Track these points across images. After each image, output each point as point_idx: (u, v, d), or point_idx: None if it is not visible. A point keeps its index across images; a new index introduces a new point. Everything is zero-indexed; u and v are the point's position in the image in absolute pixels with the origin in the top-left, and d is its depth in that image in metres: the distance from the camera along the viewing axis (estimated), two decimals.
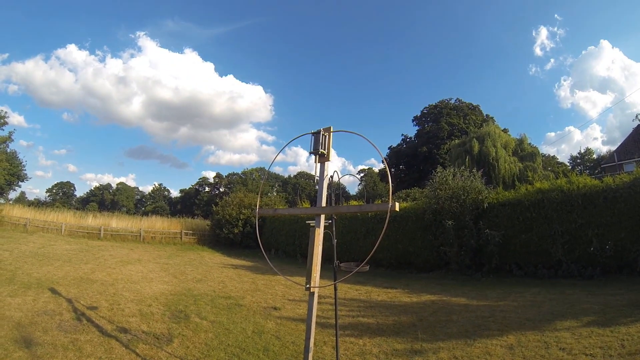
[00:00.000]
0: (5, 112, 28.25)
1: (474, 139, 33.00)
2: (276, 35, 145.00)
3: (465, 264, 12.74)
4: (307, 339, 3.87)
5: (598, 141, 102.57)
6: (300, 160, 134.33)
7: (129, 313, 8.06)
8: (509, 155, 32.29)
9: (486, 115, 57.03)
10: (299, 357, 5.76)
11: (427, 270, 14.18)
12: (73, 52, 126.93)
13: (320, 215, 3.79)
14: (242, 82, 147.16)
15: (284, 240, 22.59)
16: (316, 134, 3.72)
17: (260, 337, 6.87)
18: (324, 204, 3.82)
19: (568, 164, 64.46)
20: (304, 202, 32.39)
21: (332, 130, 3.75)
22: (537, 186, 12.57)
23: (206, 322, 7.69)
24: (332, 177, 4.23)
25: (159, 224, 32.07)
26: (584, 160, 67.93)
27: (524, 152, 33.34)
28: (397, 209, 3.14)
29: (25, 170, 31.86)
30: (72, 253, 16.99)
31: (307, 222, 3.92)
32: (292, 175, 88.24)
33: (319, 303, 9.10)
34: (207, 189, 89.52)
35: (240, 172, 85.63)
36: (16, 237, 20.92)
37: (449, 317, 7.88)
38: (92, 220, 30.75)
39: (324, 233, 3.93)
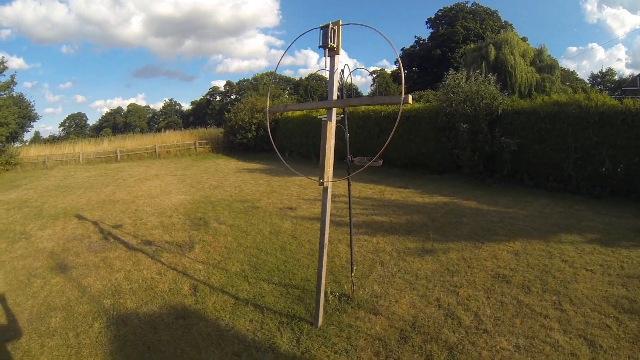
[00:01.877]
0: (3, 57, 27.58)
1: (491, 45, 31.57)
2: None
3: (478, 168, 12.71)
4: (322, 235, 3.98)
5: (622, 63, 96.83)
6: (311, 62, 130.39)
7: (151, 226, 8.41)
8: (527, 64, 31.00)
9: (504, 21, 53.93)
10: (314, 254, 6.03)
11: (439, 172, 14.21)
12: None
13: (331, 109, 3.75)
14: None
15: (298, 142, 22.55)
16: (325, 28, 3.59)
17: (277, 237, 7.18)
18: (334, 97, 3.76)
19: (587, 82, 61.84)
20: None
21: (341, 23, 3.64)
22: (554, 98, 12.06)
23: (225, 227, 8.02)
24: (342, 71, 4.17)
25: (172, 137, 32.28)
26: (605, 80, 64.76)
27: (543, 64, 31.97)
28: (410, 101, 3.06)
29: (34, 110, 31.82)
30: (92, 179, 17.42)
31: (319, 117, 3.90)
32: (303, 78, 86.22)
33: (333, 202, 9.41)
34: (218, 98, 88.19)
35: (250, 78, 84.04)
36: (37, 174, 21.40)
37: (459, 219, 8.07)
38: (107, 144, 31.09)
39: (337, 129, 3.94)
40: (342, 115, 4.32)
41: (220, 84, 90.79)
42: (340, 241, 6.74)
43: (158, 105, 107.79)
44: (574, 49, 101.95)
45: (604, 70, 67.02)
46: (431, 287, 4.88)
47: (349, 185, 4.76)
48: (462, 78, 13.35)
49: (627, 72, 68.92)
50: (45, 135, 79.40)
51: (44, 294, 5.29)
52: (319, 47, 3.65)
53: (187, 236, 7.54)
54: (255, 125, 25.81)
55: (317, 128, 18.96)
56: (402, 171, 15.18)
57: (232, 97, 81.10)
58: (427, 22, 59.37)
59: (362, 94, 64.08)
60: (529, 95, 25.68)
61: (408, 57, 58.71)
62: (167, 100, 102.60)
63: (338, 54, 3.71)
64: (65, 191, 14.42)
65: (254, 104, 26.82)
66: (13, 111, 26.65)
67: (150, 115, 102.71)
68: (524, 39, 38.61)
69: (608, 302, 4.39)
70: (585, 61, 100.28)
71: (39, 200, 12.84)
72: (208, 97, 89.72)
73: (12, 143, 29.61)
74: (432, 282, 5.01)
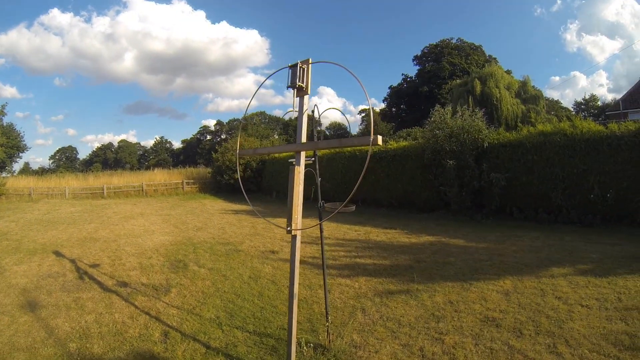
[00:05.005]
0: None
1: (476, 79, 32.17)
2: None
3: (466, 205, 12.65)
4: (292, 284, 3.68)
5: (604, 88, 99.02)
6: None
7: (129, 267, 8.17)
8: (512, 97, 31.52)
9: (489, 56, 55.16)
10: None
11: (427, 211, 14.10)
12: (57, 16, 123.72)
13: (299, 152, 3.57)
14: (236, 27, 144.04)
15: (285, 182, 22.37)
16: (293, 67, 3.45)
17: (257, 282, 6.90)
18: (304, 139, 3.58)
19: (572, 110, 62.89)
20: None
21: (310, 62, 3.50)
22: (540, 128, 12.17)
23: (204, 270, 7.76)
24: (313, 111, 4.01)
25: (159, 176, 32.44)
26: (589, 107, 65.74)
27: (527, 95, 32.54)
28: (379, 142, 2.83)
29: (24, 141, 31.84)
30: (76, 215, 17.21)
31: (289, 160, 3.70)
32: (292, 118, 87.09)
33: (317, 244, 9.20)
34: (208, 137, 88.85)
35: (240, 118, 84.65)
36: (22, 206, 21.23)
37: (446, 259, 7.84)
38: (94, 180, 31.11)
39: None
40: (313, 159, 4.12)
41: (211, 123, 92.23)
42: (321, 286, 6.32)
43: (149, 143, 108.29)
44: (557, 78, 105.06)
45: (587, 97, 67.91)
46: (415, 335, 4.57)
47: (320, 232, 4.50)
48: (447, 114, 13.39)
49: (609, 97, 69.94)
50: (35, 166, 79.41)
51: (9, 333, 5.07)
52: (287, 87, 3.51)
53: (165, 279, 7.25)
54: (243, 165, 25.90)
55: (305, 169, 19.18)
56: (389, 211, 15.14)
57: (222, 136, 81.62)
58: (414, 60, 60.59)
59: (351, 134, 64.53)
60: (516, 127, 25.94)
61: (396, 94, 59.69)
62: (158, 138, 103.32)
63: (307, 94, 3.55)
64: (47, 226, 14.25)
65: (242, 145, 26.97)
66: (1, 142, 26.53)
67: (141, 152, 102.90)
68: (508, 72, 39.39)
69: (607, 340, 4.13)
70: (568, 90, 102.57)
71: (19, 233, 12.67)
72: (199, 136, 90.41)
73: (4, 173, 29.46)
74: (415, 330, 4.71)
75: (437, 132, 13.17)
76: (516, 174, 11.80)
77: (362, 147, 16.08)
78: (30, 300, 6.31)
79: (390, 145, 16.34)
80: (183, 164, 48.80)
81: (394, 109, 60.24)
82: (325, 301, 4.53)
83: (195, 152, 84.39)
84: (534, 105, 31.59)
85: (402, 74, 62.72)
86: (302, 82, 3.47)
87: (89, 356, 4.43)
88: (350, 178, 16.52)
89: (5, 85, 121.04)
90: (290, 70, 3.51)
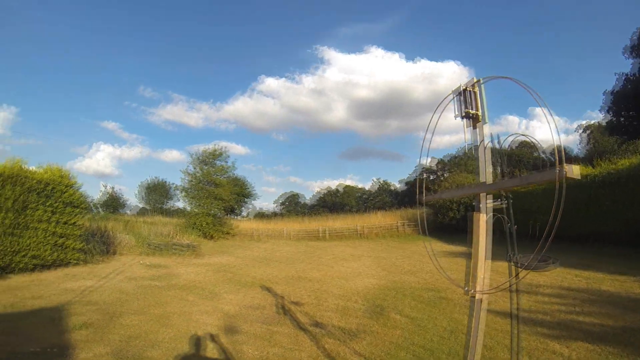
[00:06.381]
0: (225, 147, 34.67)
1: None
2: (454, 5, 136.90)
3: None
4: None
5: None
6: (512, 128, 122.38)
7: (328, 308, 8.32)
8: None
9: None
10: None
11: None
12: (267, 82, 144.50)
13: (481, 195, 2.87)
14: (435, 61, 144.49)
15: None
16: (459, 93, 2.83)
17: (453, 336, 6.13)
18: (485, 179, 2.85)
19: None
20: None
21: (481, 81, 2.79)
22: None
23: (400, 318, 7.37)
24: (499, 142, 3.11)
25: (375, 219, 33.62)
26: None
27: None
28: (573, 175, 2.06)
29: (254, 189, 37.80)
30: (292, 254, 18.98)
31: (473, 203, 2.90)
32: (513, 147, 79.93)
33: (532, 293, 8.21)
34: (431, 177, 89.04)
35: (459, 154, 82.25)
36: (248, 245, 24.78)
37: None
38: (312, 223, 34.28)
39: (498, 218, 2.92)
40: (505, 201, 3.07)
41: (431, 161, 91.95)
42: (524, 350, 5.23)
43: (368, 185, 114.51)
44: None
45: None
46: None
47: (515, 293, 3.38)
48: None
49: None
50: (264, 210, 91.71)
51: (201, 348, 5.77)
52: (455, 117, 2.87)
53: (359, 324, 7.12)
54: (464, 205, 25.08)
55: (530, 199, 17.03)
56: (619, 249, 12.37)
57: (445, 175, 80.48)
58: (624, 52, 47.05)
59: (571, 154, 54.92)
60: None
61: (622, 99, 47.83)
62: (376, 180, 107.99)
63: (484, 122, 2.85)
64: (263, 263, 16.03)
65: (460, 183, 26.24)
66: (230, 190, 32.02)
67: (360, 194, 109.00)
68: None
69: None
70: None
71: (240, 267, 14.57)
72: (420, 176, 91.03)
73: (236, 217, 35.42)
74: None
75: None
76: None
77: (586, 171, 14.08)
78: (230, 325, 7.02)
79: (614, 165, 13.62)
80: (404, 205, 49.06)
81: (621, 119, 48.98)
82: None
83: (416, 191, 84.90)
84: None
85: (615, 73, 49.56)
86: (474, 109, 2.82)
87: None
88: (570, 209, 14.07)
89: (237, 144, 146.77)
90: (455, 98, 2.91)
